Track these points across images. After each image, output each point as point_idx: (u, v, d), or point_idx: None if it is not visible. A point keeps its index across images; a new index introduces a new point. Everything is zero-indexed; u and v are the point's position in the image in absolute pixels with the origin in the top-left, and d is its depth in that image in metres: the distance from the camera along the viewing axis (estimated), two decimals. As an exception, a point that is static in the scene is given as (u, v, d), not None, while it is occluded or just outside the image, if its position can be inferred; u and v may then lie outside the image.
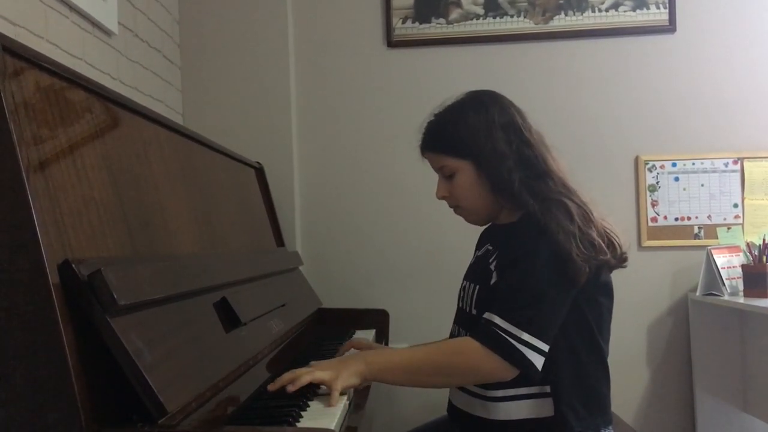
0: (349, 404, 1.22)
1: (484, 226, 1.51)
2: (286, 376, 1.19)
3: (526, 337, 1.19)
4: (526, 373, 1.21)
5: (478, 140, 1.33)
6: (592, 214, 1.28)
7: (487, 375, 1.24)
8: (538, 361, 1.20)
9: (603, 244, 1.26)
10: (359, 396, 1.32)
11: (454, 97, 1.42)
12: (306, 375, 1.17)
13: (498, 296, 1.25)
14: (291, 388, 1.16)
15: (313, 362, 1.27)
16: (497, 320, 1.20)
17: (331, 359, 1.36)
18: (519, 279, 1.24)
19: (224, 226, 1.63)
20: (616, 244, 1.30)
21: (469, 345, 1.22)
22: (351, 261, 2.47)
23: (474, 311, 1.35)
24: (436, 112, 1.42)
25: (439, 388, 1.41)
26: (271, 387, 1.19)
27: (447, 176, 1.40)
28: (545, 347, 1.20)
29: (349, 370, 1.21)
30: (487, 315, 1.23)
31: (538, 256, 1.23)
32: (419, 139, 1.43)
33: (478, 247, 1.52)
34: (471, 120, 1.35)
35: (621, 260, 1.31)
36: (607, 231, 1.30)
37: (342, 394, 1.18)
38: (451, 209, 1.46)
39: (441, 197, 1.43)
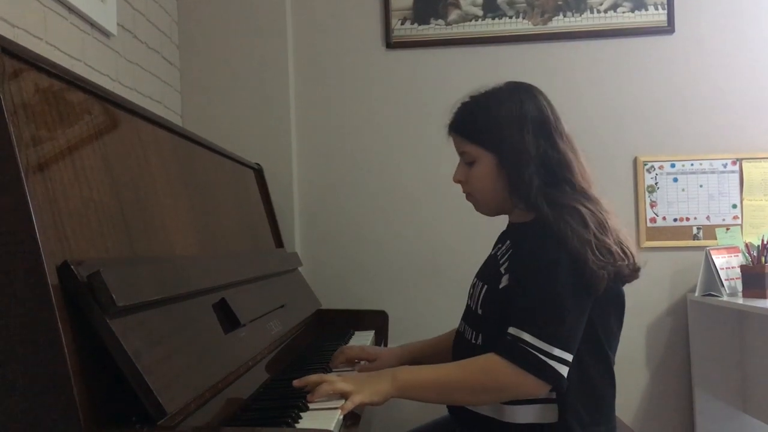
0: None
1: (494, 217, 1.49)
2: (313, 378, 1.20)
3: (557, 352, 1.17)
4: (556, 387, 1.19)
5: (506, 135, 1.30)
6: (608, 222, 1.26)
7: (519, 393, 1.22)
8: (566, 373, 1.18)
9: (619, 252, 1.24)
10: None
11: (493, 83, 1.39)
12: (326, 385, 1.18)
13: (520, 309, 1.22)
14: (310, 398, 1.16)
15: (340, 374, 1.27)
16: (526, 337, 1.17)
17: (361, 374, 1.37)
18: (541, 291, 1.21)
19: (223, 227, 1.63)
20: (630, 254, 1.27)
21: (499, 364, 1.18)
22: (350, 262, 2.47)
23: (480, 311, 1.35)
24: (473, 94, 1.39)
25: (468, 406, 1.37)
26: (296, 383, 1.20)
27: (467, 162, 1.38)
28: (571, 358, 1.19)
29: (373, 387, 1.20)
30: (513, 331, 1.19)
31: (558, 266, 1.20)
32: (449, 117, 1.40)
33: (494, 246, 1.49)
34: (504, 112, 1.32)
35: (634, 270, 1.29)
36: (621, 241, 1.27)
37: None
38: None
39: (457, 181, 1.42)
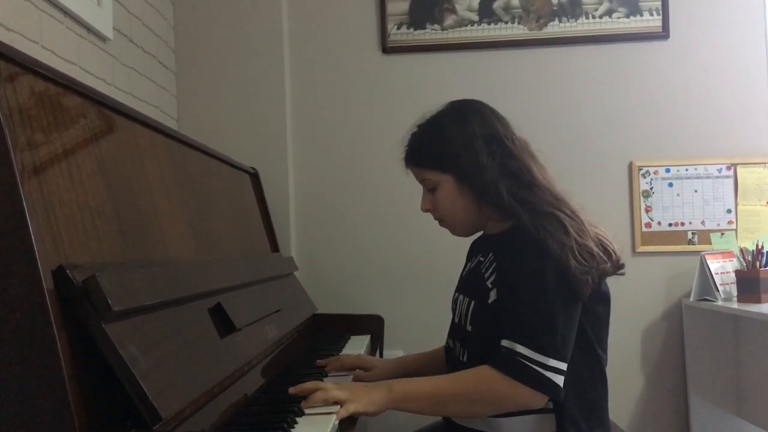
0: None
1: (472, 237, 1.50)
2: (309, 385, 1.21)
3: (552, 362, 1.17)
4: (553, 397, 1.19)
5: (458, 153, 1.32)
6: (584, 224, 1.27)
7: (516, 405, 1.22)
8: (562, 383, 1.18)
9: (601, 253, 1.24)
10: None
11: (436, 107, 1.41)
12: (321, 393, 1.18)
13: (511, 321, 1.21)
14: (304, 405, 1.16)
15: (335, 382, 1.28)
16: (521, 349, 1.17)
17: (357, 383, 1.37)
18: (529, 301, 1.21)
19: (219, 231, 1.63)
20: (611, 251, 1.28)
21: (495, 376, 1.18)
22: (346, 266, 2.47)
23: (470, 327, 1.34)
24: (419, 123, 1.41)
25: (464, 418, 1.37)
26: (292, 390, 1.21)
27: (430, 189, 1.39)
28: (565, 367, 1.19)
29: (369, 397, 1.20)
30: (506, 343, 1.19)
31: (543, 275, 1.20)
32: (402, 151, 1.42)
33: (470, 258, 1.50)
34: (450, 133, 1.34)
35: (617, 267, 1.29)
36: (601, 238, 1.28)
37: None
38: (437, 222, 1.45)
39: (425, 210, 1.43)
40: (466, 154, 1.31)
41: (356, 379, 1.50)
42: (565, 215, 1.25)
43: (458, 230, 1.44)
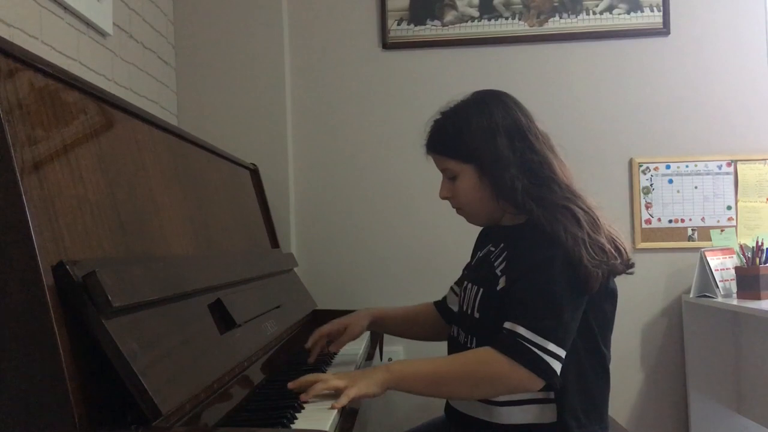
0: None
1: (477, 229, 1.51)
2: (308, 377, 1.21)
3: (551, 347, 1.17)
4: (549, 383, 1.20)
5: (481, 145, 1.32)
6: (599, 220, 1.27)
7: (514, 387, 1.22)
8: (559, 370, 1.19)
9: (612, 250, 1.25)
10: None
11: (461, 95, 1.41)
12: (321, 384, 1.18)
13: (515, 305, 1.22)
14: (304, 397, 1.16)
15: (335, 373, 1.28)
16: (522, 330, 1.18)
17: (355, 371, 1.38)
18: (537, 288, 1.22)
19: (219, 227, 1.63)
20: (623, 249, 1.28)
21: (493, 356, 1.19)
22: (346, 262, 2.47)
23: (477, 315, 1.34)
24: (443, 110, 1.41)
25: (461, 400, 1.39)
26: (291, 385, 1.20)
27: (450, 178, 1.40)
28: (564, 355, 1.19)
29: (368, 380, 1.20)
30: (508, 325, 1.20)
31: (553, 263, 1.21)
32: (425, 137, 1.42)
33: (479, 247, 1.51)
34: (474, 124, 1.34)
35: (627, 266, 1.30)
36: (614, 236, 1.28)
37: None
38: (453, 209, 1.45)
39: (444, 198, 1.43)
40: (488, 146, 1.32)
41: (336, 348, 1.58)
42: (579, 209, 1.27)
43: (474, 220, 1.45)
